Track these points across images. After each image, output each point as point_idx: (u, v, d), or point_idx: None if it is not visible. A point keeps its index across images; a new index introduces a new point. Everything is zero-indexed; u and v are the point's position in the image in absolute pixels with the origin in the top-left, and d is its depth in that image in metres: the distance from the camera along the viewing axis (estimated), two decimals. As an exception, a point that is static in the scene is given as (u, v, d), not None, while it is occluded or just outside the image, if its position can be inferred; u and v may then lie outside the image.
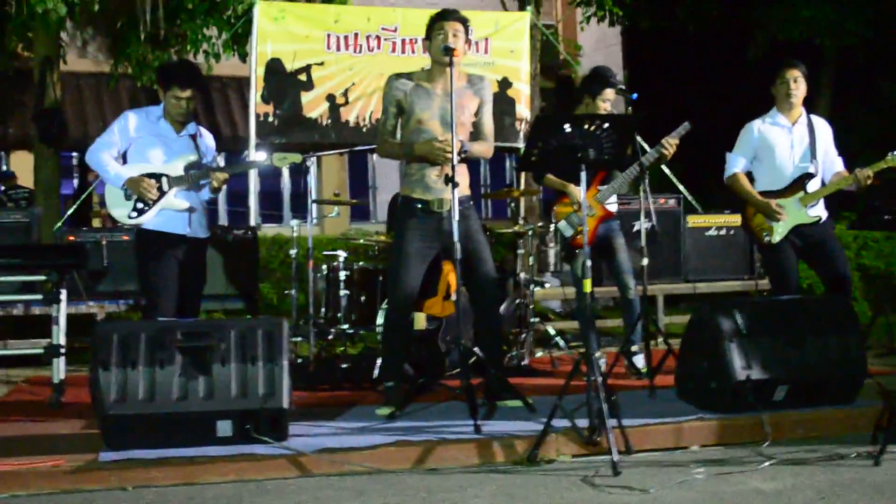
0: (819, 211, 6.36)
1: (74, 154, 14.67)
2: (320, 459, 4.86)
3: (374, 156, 16.55)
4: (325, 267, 7.47)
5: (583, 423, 5.10)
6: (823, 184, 6.36)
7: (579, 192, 5.41)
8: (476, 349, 5.61)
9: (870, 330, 7.61)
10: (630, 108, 6.76)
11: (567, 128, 5.29)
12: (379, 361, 6.57)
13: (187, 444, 4.86)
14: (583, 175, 5.31)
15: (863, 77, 14.42)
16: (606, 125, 5.33)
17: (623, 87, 6.88)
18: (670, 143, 6.51)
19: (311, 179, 7.30)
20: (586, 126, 5.28)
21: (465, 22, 5.71)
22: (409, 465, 4.94)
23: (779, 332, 5.57)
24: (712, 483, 4.60)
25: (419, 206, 5.72)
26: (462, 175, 5.62)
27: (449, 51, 5.52)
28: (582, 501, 4.34)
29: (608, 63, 15.60)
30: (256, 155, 8.61)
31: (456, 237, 5.43)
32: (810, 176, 6.32)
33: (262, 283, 9.32)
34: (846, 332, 5.70)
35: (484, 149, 5.86)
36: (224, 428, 4.89)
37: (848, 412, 5.60)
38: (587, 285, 5.34)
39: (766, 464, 4.87)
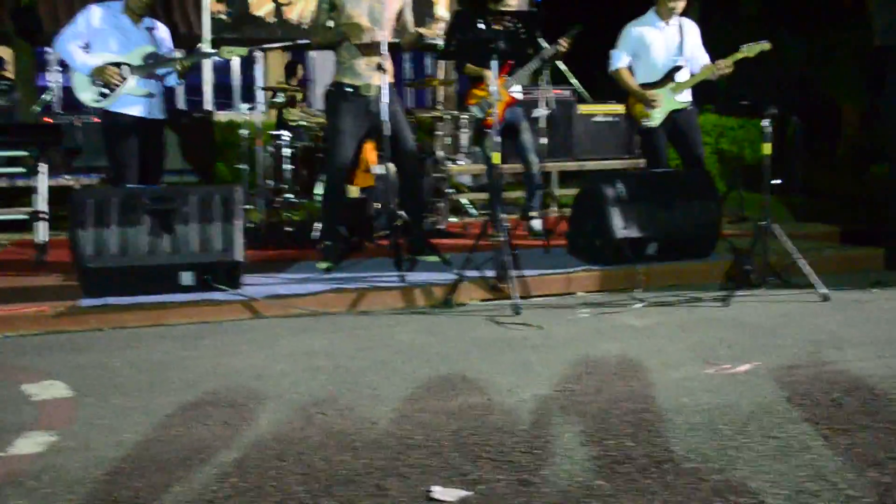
0: (687, 97, 6.38)
1: (48, 49, 14.01)
2: (269, 303, 4.84)
3: (313, 52, 16.10)
4: (271, 146, 7.31)
5: (490, 274, 5.15)
6: (692, 75, 6.36)
7: (492, 79, 5.38)
8: (401, 212, 5.58)
9: (724, 202, 7.75)
10: (535, 9, 6.61)
11: (481, 23, 5.22)
12: (317, 225, 6.53)
13: (155, 291, 4.80)
14: (493, 64, 5.24)
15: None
16: (516, 21, 5.28)
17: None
18: (565, 42, 6.43)
19: (258, 70, 7.06)
20: (501, 21, 5.22)
21: None
22: (346, 308, 4.96)
23: (652, 198, 5.65)
24: (594, 320, 4.71)
25: (349, 90, 5.62)
26: (387, 64, 5.51)
27: None
28: (489, 335, 4.40)
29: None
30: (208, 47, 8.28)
31: (386, 117, 5.35)
32: (679, 68, 6.31)
33: (216, 161, 9.10)
34: (706, 199, 5.81)
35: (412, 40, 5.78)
36: (187, 278, 4.83)
37: (705, 265, 5.75)
38: (496, 157, 5.33)
39: (638, 305, 4.99)
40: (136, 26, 5.76)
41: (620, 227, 5.48)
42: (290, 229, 6.89)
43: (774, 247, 5.31)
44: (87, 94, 5.70)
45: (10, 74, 11.08)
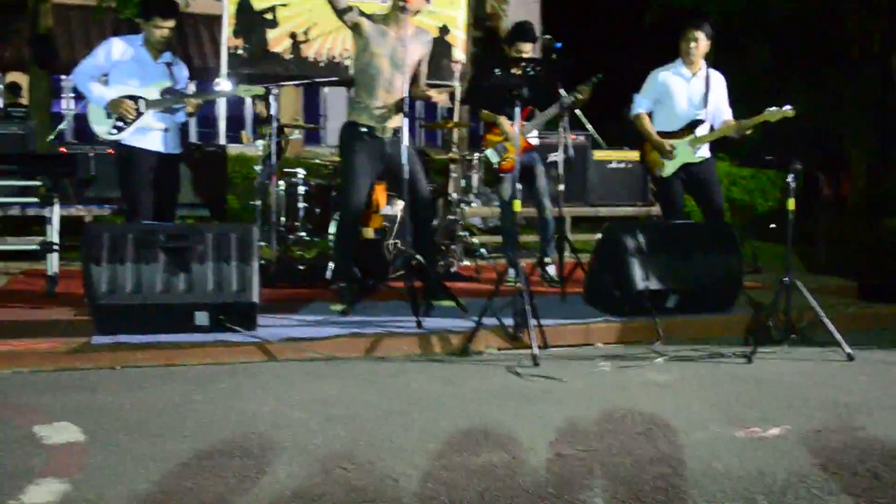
0: (704, 152, 6.33)
1: (63, 77, 14.06)
2: (284, 347, 4.75)
3: (326, 88, 16.18)
4: (284, 182, 7.24)
5: (508, 321, 5.06)
6: (712, 129, 6.32)
7: (509, 124, 5.34)
8: (417, 255, 5.50)
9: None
10: (554, 56, 6.58)
11: (498, 71, 5.22)
12: (331, 265, 6.45)
13: (169, 330, 4.71)
14: (517, 110, 5.21)
15: (737, 40, 14.46)
16: (536, 68, 5.27)
17: (549, 37, 6.73)
18: (585, 90, 6.40)
19: (273, 106, 7.01)
20: (520, 68, 5.20)
21: None
22: (361, 353, 4.86)
23: (672, 250, 5.57)
24: (615, 374, 4.61)
25: (364, 130, 5.57)
26: (397, 107, 5.51)
27: (404, 2, 5.36)
28: (508, 387, 4.30)
29: (529, 17, 15.42)
30: (225, 84, 8.25)
31: (405, 160, 5.32)
32: (700, 122, 6.27)
33: (228, 196, 9.03)
34: (726, 252, 5.73)
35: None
36: (201, 318, 4.74)
37: (725, 318, 5.65)
38: (517, 205, 5.28)
39: (659, 359, 4.89)
40: (155, 61, 5.73)
41: (640, 278, 5.39)
42: (303, 268, 6.81)
43: (794, 301, 5.21)
44: (102, 127, 5.66)
45: (24, 101, 11.07)
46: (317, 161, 7.75)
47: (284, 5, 8.39)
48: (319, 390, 4.19)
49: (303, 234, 7.03)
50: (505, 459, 3.23)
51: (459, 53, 8.82)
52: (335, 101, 16.65)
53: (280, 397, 4.04)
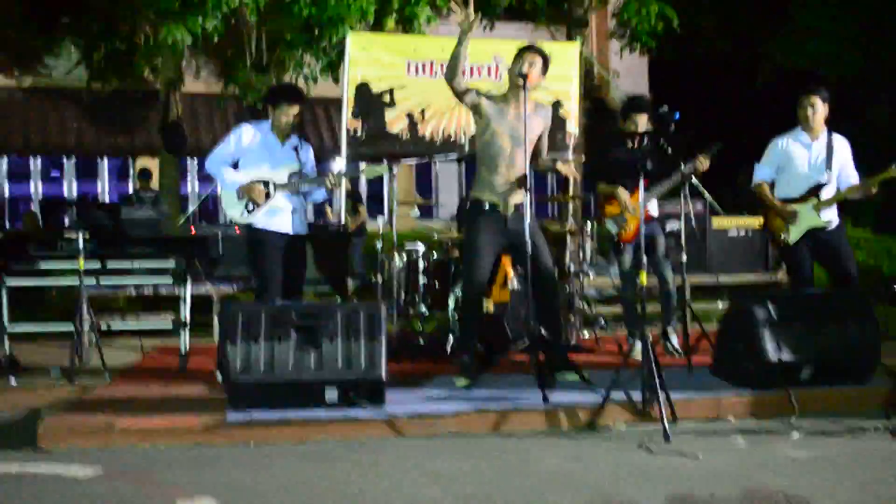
0: (830, 216, 6.14)
1: (189, 159, 14.79)
2: (412, 423, 4.75)
3: (437, 165, 16.45)
4: (404, 256, 7.34)
5: (634, 394, 4.95)
6: (838, 191, 6.14)
7: (627, 195, 5.34)
8: (542, 329, 5.46)
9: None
10: (672, 127, 6.54)
11: (620, 146, 5.28)
12: (450, 338, 6.48)
13: (299, 406, 4.77)
14: (641, 183, 5.20)
15: (856, 103, 14.11)
16: (656, 141, 5.29)
17: (665, 108, 6.69)
18: (705, 159, 6.32)
19: (394, 184, 7.16)
20: (641, 141, 5.24)
21: (544, 56, 5.61)
22: (488, 429, 4.82)
23: (805, 319, 5.36)
24: (751, 450, 4.43)
25: (487, 207, 5.61)
26: (519, 183, 5.54)
27: (523, 76, 5.43)
28: (640, 464, 4.18)
29: (636, 86, 15.39)
30: (340, 162, 8.50)
31: (528, 235, 5.34)
32: (823, 185, 6.10)
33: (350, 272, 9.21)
34: (862, 321, 5.47)
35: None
36: (331, 394, 4.80)
37: (863, 391, 5.38)
38: (643, 276, 5.22)
39: (797, 435, 4.68)
40: (283, 145, 5.94)
41: (773, 349, 5.20)
42: (423, 342, 6.86)
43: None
44: (234, 211, 5.87)
45: (155, 185, 11.62)
46: (434, 237, 7.82)
47: (402, 87, 8.64)
48: (449, 467, 4.16)
49: (422, 308, 7.10)
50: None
51: (572, 126, 8.87)
52: (447, 179, 16.93)
53: (412, 475, 4.04)
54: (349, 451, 4.47)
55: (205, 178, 15.85)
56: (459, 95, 5.56)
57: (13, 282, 6.58)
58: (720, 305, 8.34)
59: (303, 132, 6.24)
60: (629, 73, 16.36)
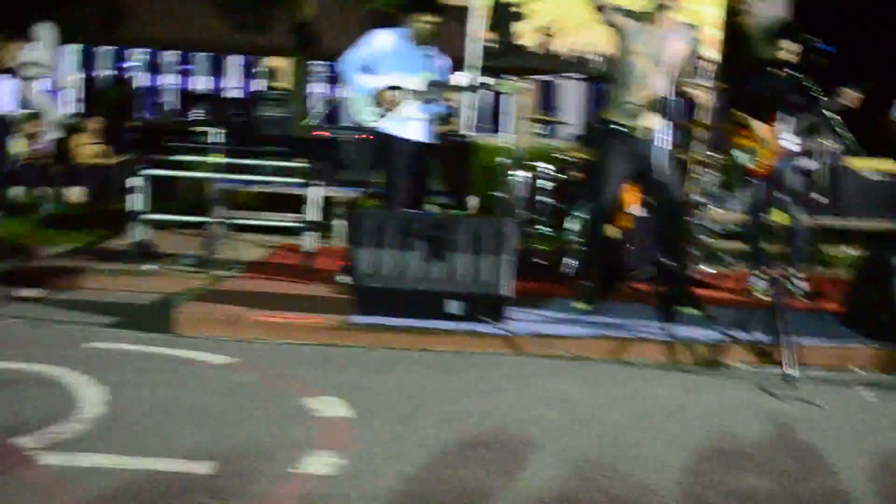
0: None
1: (320, 62, 14.84)
2: (531, 342, 4.78)
3: (560, 83, 16.09)
4: (527, 174, 7.27)
5: (759, 335, 4.84)
6: None
7: (764, 128, 5.15)
8: (666, 260, 5.36)
9: None
10: (818, 59, 6.19)
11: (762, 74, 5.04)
12: (567, 260, 6.43)
13: (422, 315, 4.86)
14: (787, 117, 4.97)
15: None
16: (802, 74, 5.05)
17: (812, 38, 6.33)
18: (851, 96, 5.97)
19: (516, 100, 7.05)
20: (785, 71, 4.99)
21: None
22: (605, 355, 4.81)
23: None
24: (882, 406, 4.28)
25: (618, 128, 5.45)
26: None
27: None
28: (758, 405, 4.10)
29: (776, 13, 14.60)
30: (462, 77, 8.40)
31: (659, 160, 5.20)
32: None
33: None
34: None
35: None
36: (453, 306, 4.86)
37: None
38: (777, 215, 5.04)
39: (930, 393, 4.50)
40: (418, 53, 5.89)
41: (911, 302, 4.97)
42: (541, 262, 6.83)
43: None
44: (365, 115, 5.88)
45: (284, 85, 11.72)
46: (555, 155, 7.71)
47: (535, 0, 8.43)
48: (563, 389, 4.18)
49: (542, 227, 7.05)
50: (774, 488, 3.07)
51: (712, 52, 8.52)
52: (571, 97, 16.61)
53: (524, 392, 4.08)
54: (468, 363, 4.54)
55: (332, 81, 15.97)
56: (599, 9, 5.37)
57: (149, 172, 6.83)
58: (850, 251, 8.02)
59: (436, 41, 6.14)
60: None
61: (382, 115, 5.83)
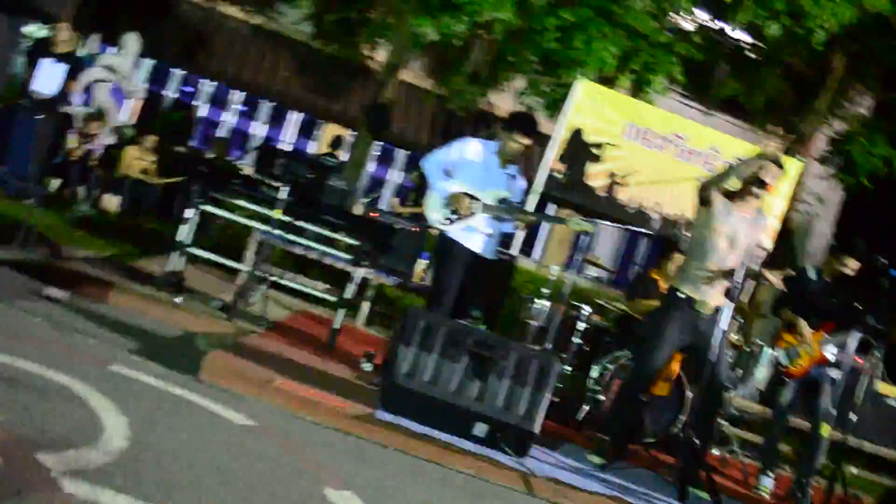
0: None
1: (381, 144, 15.02)
2: (547, 486, 4.67)
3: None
4: (559, 309, 7.25)
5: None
6: None
7: (810, 331, 5.71)
8: (694, 438, 5.27)
9: None
10: (884, 281, 6.23)
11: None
12: (585, 407, 6.34)
13: (446, 429, 4.77)
14: (856, 335, 4.98)
15: None
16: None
17: (885, 262, 6.39)
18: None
19: (586, 240, 7.07)
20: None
21: (781, 168, 5.43)
22: (618, 518, 4.69)
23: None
24: None
25: (684, 298, 5.43)
26: (723, 287, 5.35)
27: (763, 185, 5.29)
28: None
29: (825, 214, 14.74)
30: (550, 209, 8.48)
31: (716, 341, 5.16)
32: None
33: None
34: None
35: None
36: (480, 429, 4.77)
37: None
38: (825, 429, 4.98)
39: None
40: (501, 170, 5.95)
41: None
42: (557, 400, 6.74)
43: None
44: (436, 215, 5.90)
45: (340, 156, 11.77)
46: (603, 302, 7.70)
47: (614, 145, 8.57)
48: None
49: (566, 367, 6.99)
50: None
51: (768, 241, 8.60)
52: (605, 242, 16.76)
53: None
54: (480, 491, 4.41)
55: (385, 161, 16.14)
56: (711, 183, 5.43)
57: (207, 207, 6.83)
58: (854, 471, 7.90)
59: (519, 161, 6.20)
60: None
61: (452, 220, 5.85)
